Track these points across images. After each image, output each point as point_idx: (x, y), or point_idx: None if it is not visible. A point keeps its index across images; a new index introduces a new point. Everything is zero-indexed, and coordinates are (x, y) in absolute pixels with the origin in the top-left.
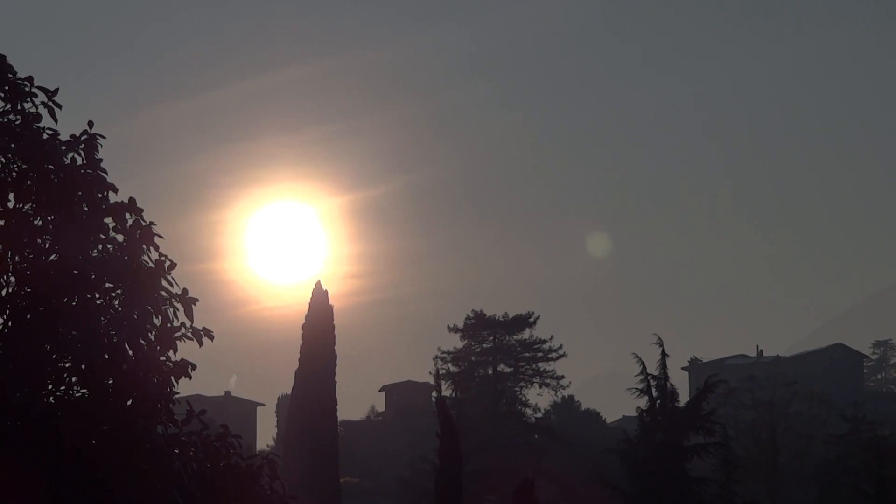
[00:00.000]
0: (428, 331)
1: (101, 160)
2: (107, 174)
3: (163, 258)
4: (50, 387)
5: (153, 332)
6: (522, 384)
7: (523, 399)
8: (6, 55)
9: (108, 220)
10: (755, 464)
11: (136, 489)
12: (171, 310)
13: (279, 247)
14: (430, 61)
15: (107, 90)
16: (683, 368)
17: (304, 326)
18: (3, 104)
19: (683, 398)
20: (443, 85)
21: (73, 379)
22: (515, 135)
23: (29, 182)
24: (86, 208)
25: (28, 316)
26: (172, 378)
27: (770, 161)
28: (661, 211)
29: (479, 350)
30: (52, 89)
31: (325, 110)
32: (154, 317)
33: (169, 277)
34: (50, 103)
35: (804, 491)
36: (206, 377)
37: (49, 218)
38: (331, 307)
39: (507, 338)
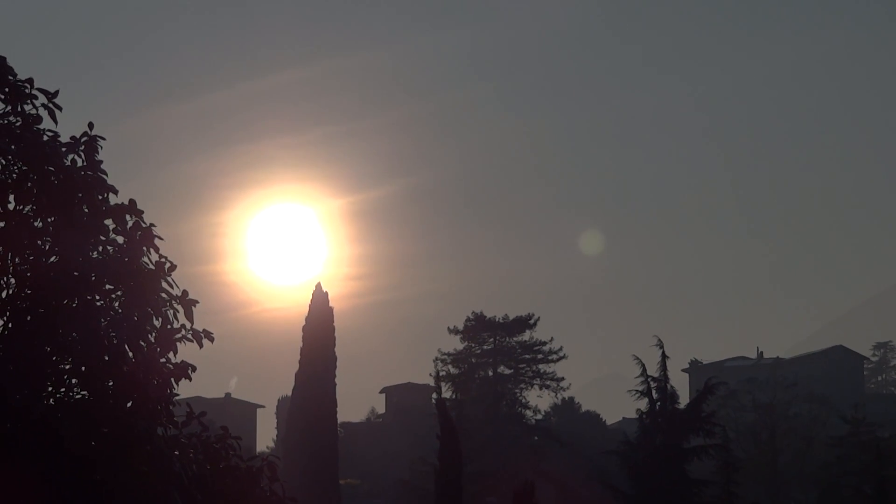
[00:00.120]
0: (428, 332)
1: (101, 162)
2: (107, 176)
3: (163, 260)
4: (50, 388)
5: (153, 334)
6: (523, 386)
7: (523, 401)
8: (6, 57)
9: (109, 222)
10: (755, 466)
11: (136, 491)
12: (172, 311)
13: (279, 248)
14: (430, 63)
15: (107, 92)
16: (683, 370)
17: (304, 328)
18: (3, 106)
19: (683, 400)
20: (443, 86)
21: (74, 381)
22: (516, 136)
23: (29, 184)
24: (86, 210)
25: (28, 318)
26: (172, 380)
27: (770, 161)
28: (662, 212)
29: (479, 352)
30: (52, 91)
31: (326, 112)
32: (154, 318)
33: (169, 279)
34: (50, 105)
35: (804, 493)
36: (206, 379)
37: (49, 220)
38: (331, 309)
39: (508, 339)
